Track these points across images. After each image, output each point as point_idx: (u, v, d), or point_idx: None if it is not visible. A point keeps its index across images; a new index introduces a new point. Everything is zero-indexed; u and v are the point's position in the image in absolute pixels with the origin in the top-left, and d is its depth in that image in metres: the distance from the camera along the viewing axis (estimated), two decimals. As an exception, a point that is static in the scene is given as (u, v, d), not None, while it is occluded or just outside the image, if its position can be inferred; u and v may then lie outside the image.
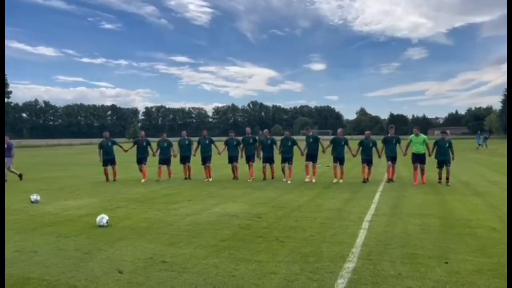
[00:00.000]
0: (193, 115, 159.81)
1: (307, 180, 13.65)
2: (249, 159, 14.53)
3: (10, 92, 76.32)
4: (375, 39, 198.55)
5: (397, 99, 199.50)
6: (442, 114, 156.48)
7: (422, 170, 12.93)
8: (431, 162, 13.22)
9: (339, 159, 13.64)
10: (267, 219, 7.82)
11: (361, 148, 13.68)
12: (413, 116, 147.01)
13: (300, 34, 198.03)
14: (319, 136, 14.90)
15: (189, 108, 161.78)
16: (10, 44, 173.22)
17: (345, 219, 7.75)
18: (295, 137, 14.86)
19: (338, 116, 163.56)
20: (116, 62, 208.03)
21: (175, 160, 15.22)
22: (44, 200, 10.16)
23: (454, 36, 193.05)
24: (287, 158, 13.98)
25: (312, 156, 13.90)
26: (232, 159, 14.73)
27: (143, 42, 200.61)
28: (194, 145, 15.19)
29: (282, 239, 6.32)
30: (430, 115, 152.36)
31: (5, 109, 74.99)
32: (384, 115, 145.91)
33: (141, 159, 14.75)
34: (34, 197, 10.10)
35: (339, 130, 14.45)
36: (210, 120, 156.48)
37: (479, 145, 41.67)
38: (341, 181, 13.43)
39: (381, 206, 9.10)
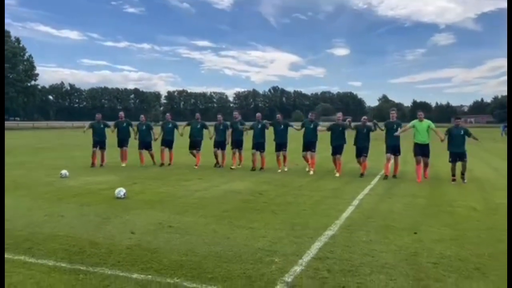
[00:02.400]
0: (214, 100, 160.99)
1: (308, 170, 12.36)
2: (235, 146, 13.42)
3: (37, 75, 78.77)
4: (401, 24, 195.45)
5: (422, 86, 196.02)
6: (469, 102, 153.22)
7: (426, 164, 10.98)
8: (437, 154, 12.65)
9: (337, 148, 11.96)
10: (267, 195, 8.61)
11: (355, 135, 11.92)
12: (436, 103, 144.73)
13: (323, 18, 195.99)
14: (320, 123, 13.63)
15: (210, 92, 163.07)
16: (36, 27, 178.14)
17: (339, 198, 8.46)
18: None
19: (360, 103, 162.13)
20: (139, 46, 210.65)
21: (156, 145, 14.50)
22: (69, 175, 11.17)
23: (483, 21, 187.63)
24: (281, 145, 12.66)
25: (310, 144, 12.31)
26: (217, 144, 13.67)
27: (166, 26, 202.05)
28: (180, 129, 14.34)
29: (277, 212, 7.10)
30: (456, 103, 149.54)
31: (33, 92, 77.48)
32: (407, 102, 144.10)
33: (122, 141, 14.06)
34: (63, 172, 11.19)
35: (338, 114, 12.74)
36: (231, 105, 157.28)
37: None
38: (337, 174, 11.70)
39: (376, 188, 9.76)
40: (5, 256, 4.70)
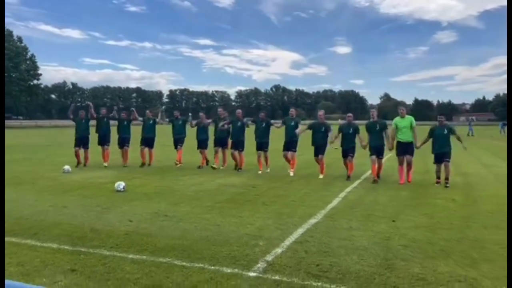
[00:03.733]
0: (216, 99, 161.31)
1: (291, 173, 11.30)
2: (218, 144, 12.81)
3: (40, 74, 79.06)
4: (403, 22, 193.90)
5: (424, 84, 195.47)
6: (471, 100, 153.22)
7: (409, 164, 10.07)
8: (421, 155, 13.44)
9: (317, 148, 11.15)
10: (260, 189, 9.06)
11: (340, 135, 10.96)
12: (438, 101, 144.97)
13: (325, 16, 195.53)
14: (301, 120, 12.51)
15: (212, 91, 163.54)
16: (38, 26, 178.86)
17: (327, 191, 8.89)
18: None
19: (362, 101, 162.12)
20: (141, 44, 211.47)
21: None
22: (71, 171, 11.63)
23: (485, 19, 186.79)
24: (261, 144, 11.92)
25: (291, 144, 11.44)
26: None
27: (167, 25, 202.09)
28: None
29: (267, 203, 7.54)
30: (458, 101, 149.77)
31: (36, 91, 77.85)
32: (409, 100, 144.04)
33: (104, 139, 13.26)
34: (66, 167, 11.67)
35: (320, 112, 11.68)
36: (233, 103, 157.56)
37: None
38: (321, 176, 10.92)
39: (365, 182, 10.18)
40: (13, 240, 5.17)
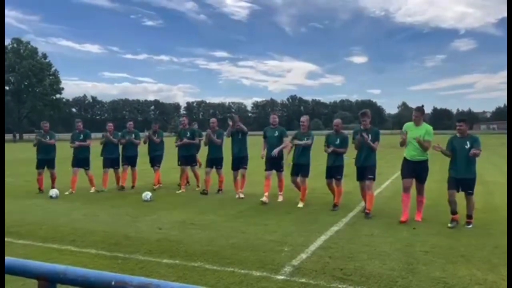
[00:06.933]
0: (233, 110, 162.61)
1: (264, 199, 8.69)
2: (184, 162, 10.69)
3: (62, 88, 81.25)
4: (419, 30, 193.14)
5: (443, 92, 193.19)
6: (492, 108, 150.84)
7: (420, 193, 7.25)
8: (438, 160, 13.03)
9: (298, 166, 8.60)
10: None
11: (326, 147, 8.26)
12: (457, 110, 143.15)
13: (340, 26, 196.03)
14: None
15: (229, 103, 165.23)
16: (58, 42, 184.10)
17: (349, 200, 9.03)
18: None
19: (379, 110, 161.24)
20: (158, 58, 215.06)
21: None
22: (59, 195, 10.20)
23: (504, 26, 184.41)
24: (239, 159, 9.56)
25: (274, 160, 8.98)
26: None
27: (183, 38, 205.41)
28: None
29: (290, 212, 7.78)
30: (479, 109, 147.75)
31: (58, 104, 79.90)
32: (428, 109, 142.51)
33: (82, 161, 10.99)
34: (53, 192, 9.82)
35: (302, 119, 8.92)
36: (250, 114, 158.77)
37: None
38: (300, 204, 8.39)
39: (385, 190, 10.34)
40: (54, 246, 5.54)
